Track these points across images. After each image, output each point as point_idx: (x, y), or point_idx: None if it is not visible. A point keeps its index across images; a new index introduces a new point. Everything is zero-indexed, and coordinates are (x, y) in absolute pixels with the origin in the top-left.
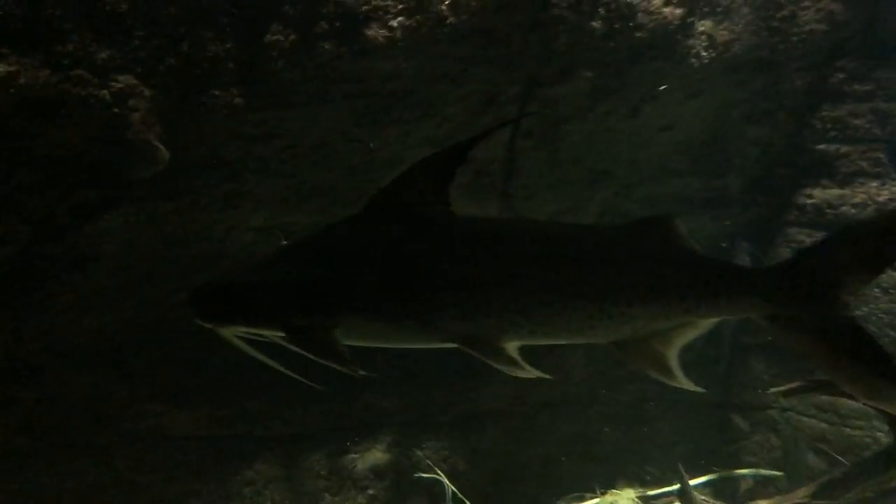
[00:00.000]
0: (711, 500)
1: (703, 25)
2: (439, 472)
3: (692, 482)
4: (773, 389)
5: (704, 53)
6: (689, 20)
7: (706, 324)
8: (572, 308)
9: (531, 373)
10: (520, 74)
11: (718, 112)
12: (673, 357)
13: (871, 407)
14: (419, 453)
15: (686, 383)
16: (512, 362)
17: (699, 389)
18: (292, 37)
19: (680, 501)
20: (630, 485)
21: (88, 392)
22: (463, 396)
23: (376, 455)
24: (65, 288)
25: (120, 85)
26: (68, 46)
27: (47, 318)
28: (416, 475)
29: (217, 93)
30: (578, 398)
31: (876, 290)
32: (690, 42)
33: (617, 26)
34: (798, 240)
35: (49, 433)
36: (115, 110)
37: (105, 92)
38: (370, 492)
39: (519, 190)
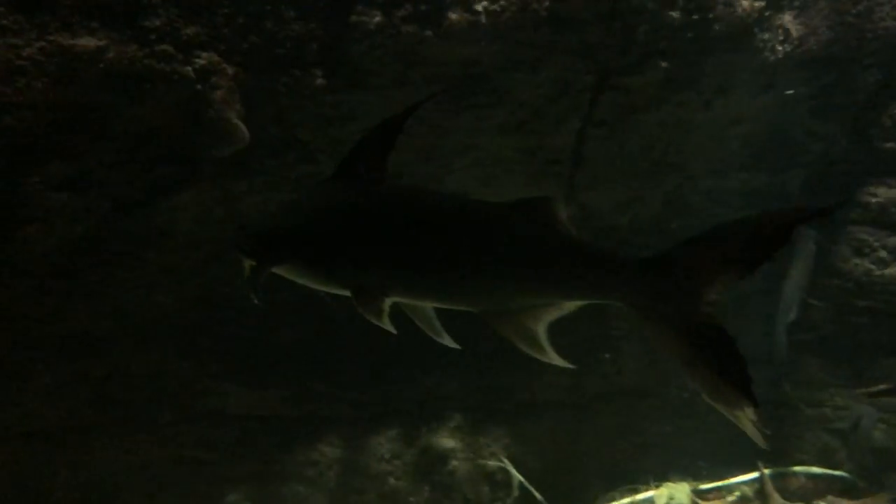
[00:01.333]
0: (783, 501)
1: (780, 19)
2: (505, 460)
3: (746, 477)
4: (859, 391)
5: (780, 47)
6: (767, 13)
7: (572, 304)
8: (440, 273)
9: (388, 327)
10: (596, 63)
11: (785, 106)
12: (542, 333)
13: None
14: (482, 440)
15: (556, 359)
16: (379, 316)
17: (569, 366)
18: (377, 18)
19: (757, 496)
20: (683, 478)
21: (155, 369)
22: (522, 385)
23: (439, 440)
24: (138, 263)
25: (203, 62)
26: (155, 21)
27: (120, 293)
28: (479, 462)
29: (298, 73)
30: (632, 390)
31: None
32: (767, 36)
33: (695, 17)
34: (860, 238)
35: (116, 408)
36: (198, 87)
37: (189, 68)
38: (434, 477)
39: (586, 179)
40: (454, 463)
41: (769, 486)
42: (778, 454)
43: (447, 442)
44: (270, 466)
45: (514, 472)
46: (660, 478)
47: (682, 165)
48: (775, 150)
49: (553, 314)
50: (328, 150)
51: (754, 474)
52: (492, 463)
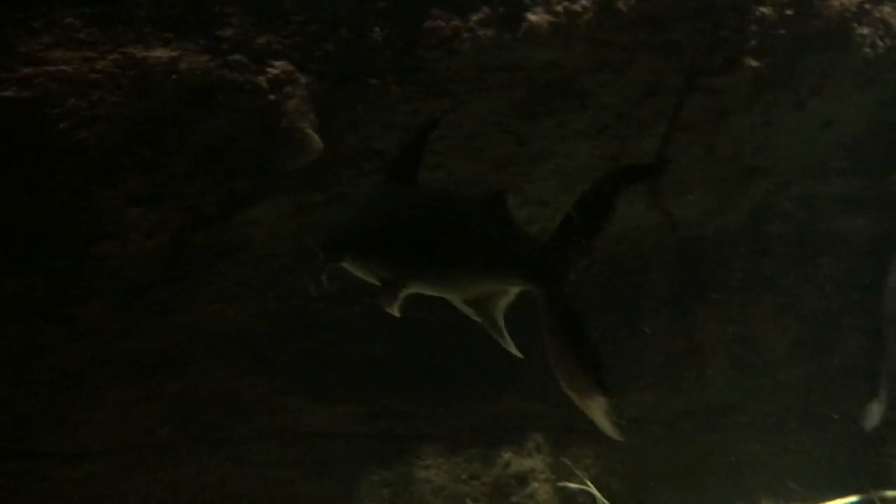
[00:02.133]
0: None
1: (881, 12)
2: (588, 482)
3: (845, 501)
4: None
5: (880, 42)
6: (867, 6)
7: (513, 291)
8: (426, 265)
9: (395, 313)
10: (684, 63)
11: (886, 107)
12: (499, 317)
13: None
14: (564, 461)
15: (511, 347)
16: (392, 306)
17: (519, 354)
18: (454, 22)
19: None
20: (775, 501)
21: (228, 385)
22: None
23: (520, 461)
24: (212, 278)
25: (276, 71)
26: (228, 30)
27: (193, 308)
28: (560, 484)
29: (373, 81)
30: (718, 406)
31: None
32: (866, 31)
33: (789, 13)
34: None
35: (189, 425)
36: (271, 97)
37: (261, 78)
38: (513, 499)
39: (671, 184)
40: (535, 484)
41: None
42: (880, 478)
43: (527, 462)
44: (344, 485)
45: (597, 494)
46: (749, 500)
47: (772, 170)
48: (876, 153)
49: (503, 299)
50: None
51: (854, 498)
52: (574, 485)
